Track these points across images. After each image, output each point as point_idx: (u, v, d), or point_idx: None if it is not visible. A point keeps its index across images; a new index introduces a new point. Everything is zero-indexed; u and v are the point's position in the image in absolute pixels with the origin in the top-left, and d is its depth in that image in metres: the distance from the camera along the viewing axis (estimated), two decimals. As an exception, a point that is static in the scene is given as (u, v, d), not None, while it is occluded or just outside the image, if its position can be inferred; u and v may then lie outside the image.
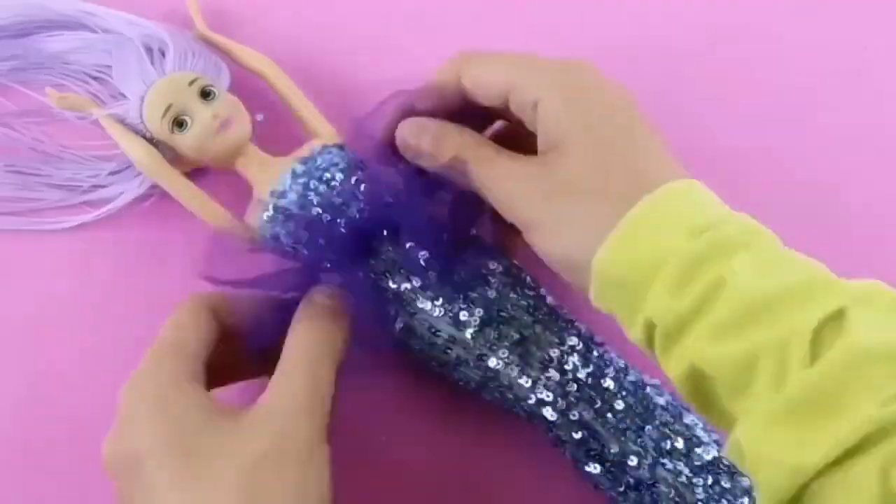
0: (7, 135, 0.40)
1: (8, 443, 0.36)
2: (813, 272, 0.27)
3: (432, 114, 0.34)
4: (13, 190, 0.39)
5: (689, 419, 0.34)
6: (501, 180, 0.32)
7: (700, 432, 0.34)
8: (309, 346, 0.31)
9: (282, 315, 0.33)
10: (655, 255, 0.27)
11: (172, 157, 0.38)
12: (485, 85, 0.33)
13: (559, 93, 0.31)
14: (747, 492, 0.34)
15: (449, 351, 0.34)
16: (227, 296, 0.33)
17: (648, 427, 0.34)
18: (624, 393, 0.34)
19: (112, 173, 0.39)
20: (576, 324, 0.35)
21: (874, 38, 0.47)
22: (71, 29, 0.41)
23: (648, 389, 0.35)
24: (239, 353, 0.33)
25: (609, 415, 0.34)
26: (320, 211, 0.35)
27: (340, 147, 0.37)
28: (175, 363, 0.30)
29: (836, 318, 0.25)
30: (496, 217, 0.33)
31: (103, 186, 0.39)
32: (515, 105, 0.32)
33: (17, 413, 0.37)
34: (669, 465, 0.33)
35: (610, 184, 0.29)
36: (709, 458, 0.34)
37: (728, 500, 0.33)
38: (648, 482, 0.33)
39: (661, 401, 0.35)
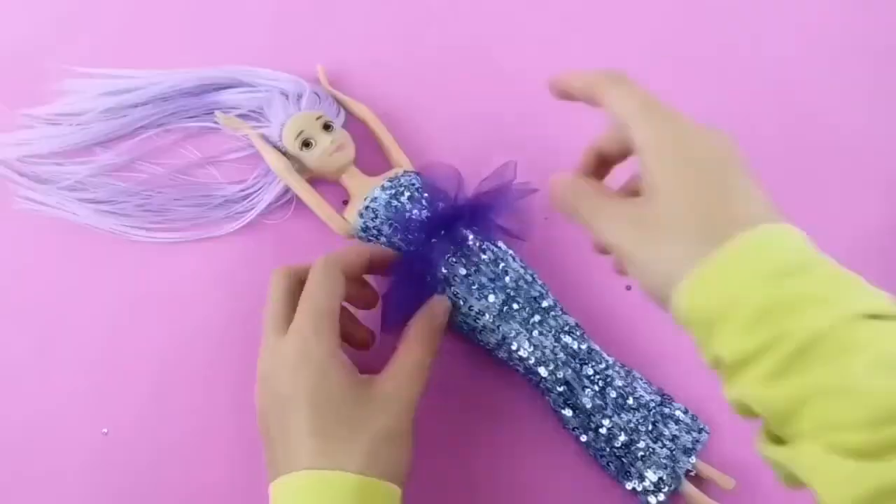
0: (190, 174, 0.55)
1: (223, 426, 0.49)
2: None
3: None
4: (192, 215, 0.53)
5: (639, 384, 0.49)
6: (605, 221, 0.35)
7: (640, 391, 0.49)
8: (427, 353, 0.44)
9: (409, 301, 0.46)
10: (730, 298, 0.29)
11: (297, 167, 0.53)
12: (612, 113, 0.36)
13: (657, 142, 0.33)
14: (672, 418, 0.49)
15: (477, 320, 0.49)
16: (353, 255, 0.45)
17: (609, 388, 0.48)
18: (594, 363, 0.49)
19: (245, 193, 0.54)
20: (568, 314, 0.50)
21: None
22: (236, 87, 0.56)
23: (616, 367, 0.49)
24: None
25: (584, 377, 0.48)
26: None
27: (417, 173, 0.53)
28: (331, 334, 0.40)
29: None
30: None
31: (248, 199, 0.54)
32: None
33: (226, 408, 0.49)
34: (625, 417, 0.48)
35: (697, 225, 0.31)
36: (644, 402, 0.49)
37: (662, 429, 0.48)
38: (608, 427, 0.48)
39: (621, 371, 0.49)
